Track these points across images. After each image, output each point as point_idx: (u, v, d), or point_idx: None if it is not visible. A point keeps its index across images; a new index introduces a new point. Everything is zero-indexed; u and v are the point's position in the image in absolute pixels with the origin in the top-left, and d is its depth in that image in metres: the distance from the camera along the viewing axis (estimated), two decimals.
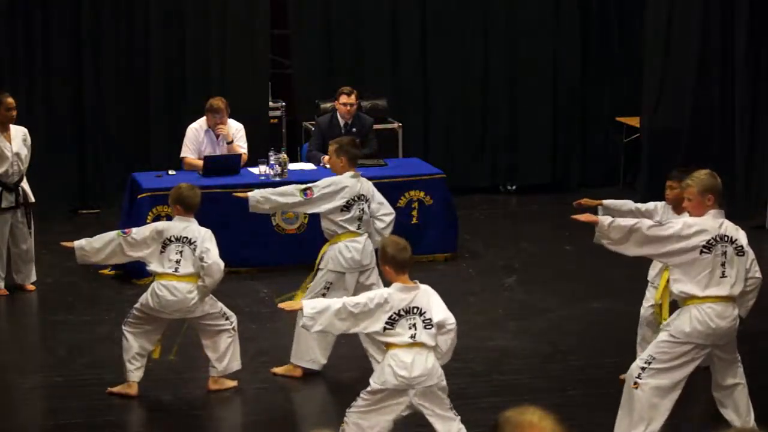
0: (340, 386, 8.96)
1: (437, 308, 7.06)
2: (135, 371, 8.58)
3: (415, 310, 7.00)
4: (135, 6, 13.65)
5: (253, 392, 8.84)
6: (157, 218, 11.04)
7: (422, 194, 11.70)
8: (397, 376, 6.96)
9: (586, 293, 10.81)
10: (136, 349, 8.56)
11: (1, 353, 9.62)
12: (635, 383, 7.45)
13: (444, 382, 7.08)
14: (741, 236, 7.43)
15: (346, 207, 8.87)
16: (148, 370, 9.09)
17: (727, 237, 7.36)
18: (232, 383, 8.76)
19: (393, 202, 11.55)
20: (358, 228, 8.85)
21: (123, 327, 8.62)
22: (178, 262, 8.44)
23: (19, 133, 10.70)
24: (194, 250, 8.40)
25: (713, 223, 7.35)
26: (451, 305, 7.39)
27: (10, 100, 10.63)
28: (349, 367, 9.25)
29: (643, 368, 7.45)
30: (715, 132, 13.83)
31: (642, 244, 7.37)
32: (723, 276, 7.35)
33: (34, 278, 10.99)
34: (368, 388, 7.05)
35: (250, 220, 10.46)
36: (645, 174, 14.01)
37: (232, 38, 13.88)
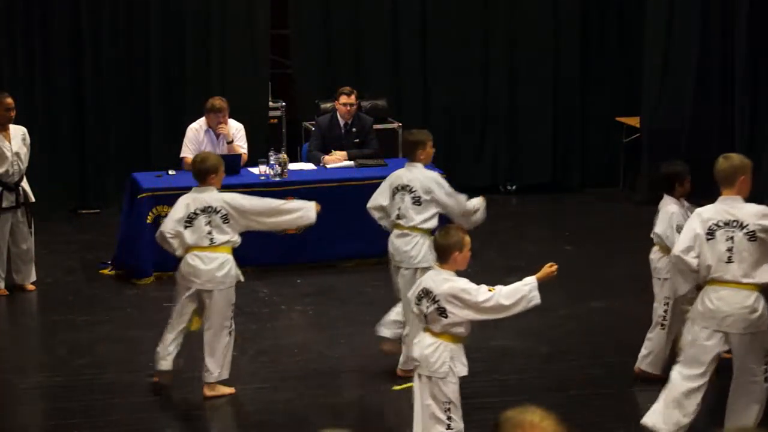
0: (341, 385, 8.97)
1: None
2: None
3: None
4: (135, 6, 13.66)
5: (253, 392, 8.83)
6: (157, 218, 11.04)
7: None
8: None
9: (586, 293, 10.81)
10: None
11: (1, 353, 9.61)
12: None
13: (440, 376, 7.01)
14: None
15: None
16: (148, 369, 9.10)
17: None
18: (230, 390, 8.74)
19: None
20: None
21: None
22: (210, 233, 8.50)
23: (18, 132, 10.70)
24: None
25: None
26: None
27: (9, 100, 10.63)
28: (348, 366, 9.26)
29: None
30: (715, 132, 13.82)
31: None
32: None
33: (34, 278, 10.99)
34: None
35: None
36: (645, 174, 14.01)
37: (232, 38, 13.89)
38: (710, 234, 7.38)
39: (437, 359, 6.97)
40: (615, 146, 14.72)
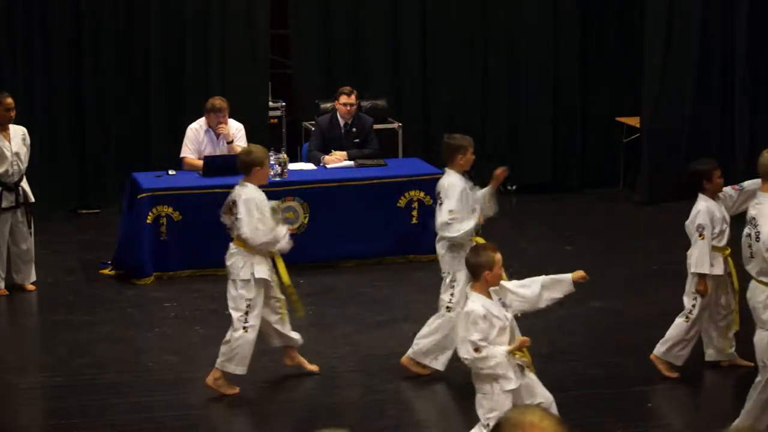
0: (341, 385, 8.96)
1: None
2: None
3: None
4: (135, 6, 13.66)
5: (254, 392, 8.83)
6: (157, 218, 11.05)
7: (422, 194, 11.68)
8: None
9: (586, 293, 10.77)
10: None
11: (1, 353, 9.62)
12: None
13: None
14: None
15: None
16: (148, 369, 9.11)
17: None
18: (233, 390, 8.73)
19: (393, 202, 11.61)
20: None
21: None
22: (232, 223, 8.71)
23: (18, 132, 10.70)
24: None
25: None
26: None
27: (9, 100, 10.63)
28: (348, 366, 9.26)
29: None
30: (715, 132, 13.82)
31: None
32: None
33: (34, 278, 10.99)
34: None
35: None
36: (645, 174, 14.02)
37: (232, 38, 13.89)
38: (744, 230, 7.65)
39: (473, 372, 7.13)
40: (615, 146, 14.72)
